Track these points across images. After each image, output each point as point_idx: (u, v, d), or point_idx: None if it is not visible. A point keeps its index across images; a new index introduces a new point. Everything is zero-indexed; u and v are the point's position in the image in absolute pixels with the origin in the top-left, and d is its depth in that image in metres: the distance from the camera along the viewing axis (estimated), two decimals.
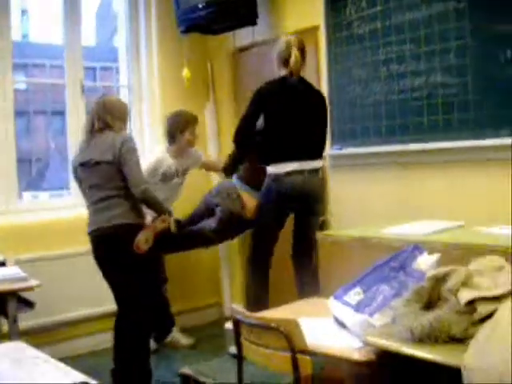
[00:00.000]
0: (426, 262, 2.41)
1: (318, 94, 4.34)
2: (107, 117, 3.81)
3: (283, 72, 4.22)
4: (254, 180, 4.44)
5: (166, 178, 4.61)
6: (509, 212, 3.28)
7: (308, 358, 2.17)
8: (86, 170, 3.82)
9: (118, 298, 3.93)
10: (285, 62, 4.19)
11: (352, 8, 4.52)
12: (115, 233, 3.71)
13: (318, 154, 4.22)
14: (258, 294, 4.22)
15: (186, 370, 3.90)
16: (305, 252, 4.17)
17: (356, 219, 4.35)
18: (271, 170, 4.12)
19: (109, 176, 3.75)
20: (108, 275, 3.88)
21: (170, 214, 3.98)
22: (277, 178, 4.08)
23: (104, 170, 3.75)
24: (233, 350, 4.45)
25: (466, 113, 3.86)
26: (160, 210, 3.86)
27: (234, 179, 4.60)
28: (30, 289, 3.42)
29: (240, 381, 2.49)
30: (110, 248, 3.75)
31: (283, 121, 4.11)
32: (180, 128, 4.62)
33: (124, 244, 3.70)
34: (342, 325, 2.37)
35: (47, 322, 4.64)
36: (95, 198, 3.80)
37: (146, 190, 3.71)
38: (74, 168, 3.95)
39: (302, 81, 4.24)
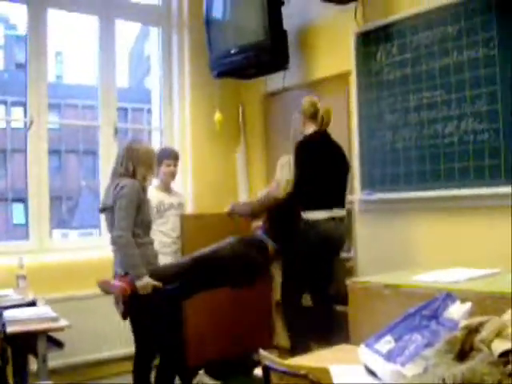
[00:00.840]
0: (458, 311, 2.37)
1: (341, 147, 4.45)
2: (129, 163, 3.87)
3: (311, 127, 4.33)
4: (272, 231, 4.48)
5: (160, 210, 4.85)
6: None
7: None
8: (103, 215, 3.98)
9: (137, 340, 4.00)
10: (313, 116, 4.32)
11: (383, 54, 4.56)
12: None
13: (343, 202, 4.36)
14: (297, 339, 4.25)
15: None
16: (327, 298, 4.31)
17: (384, 265, 4.30)
18: (310, 216, 4.17)
19: (112, 222, 3.81)
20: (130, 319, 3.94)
21: (136, 277, 3.72)
22: (314, 224, 4.16)
23: (108, 215, 3.86)
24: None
25: (498, 159, 3.84)
26: (126, 265, 3.74)
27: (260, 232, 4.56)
28: (61, 329, 3.44)
29: None
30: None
31: (319, 172, 4.22)
32: (158, 161, 4.71)
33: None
34: (372, 373, 2.34)
35: (75, 362, 4.65)
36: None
37: (121, 237, 3.67)
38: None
39: (328, 135, 4.38)
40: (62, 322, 3.44)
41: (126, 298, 3.72)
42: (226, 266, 4.19)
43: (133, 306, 3.79)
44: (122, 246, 3.70)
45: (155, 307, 3.81)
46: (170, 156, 5.00)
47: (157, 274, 3.85)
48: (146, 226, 3.93)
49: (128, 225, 3.70)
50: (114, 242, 3.75)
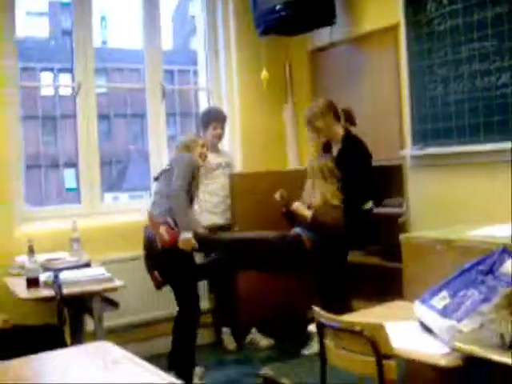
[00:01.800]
0: None
1: None
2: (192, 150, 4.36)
3: (339, 127, 4.46)
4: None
5: (207, 170, 4.86)
6: None
7: (393, 362, 2.13)
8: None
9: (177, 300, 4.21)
10: (336, 116, 4.46)
11: (432, 4, 4.42)
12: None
13: None
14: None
15: (267, 371, 3.91)
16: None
17: (436, 221, 4.25)
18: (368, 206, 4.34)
19: (166, 183, 4.18)
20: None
21: (182, 230, 3.98)
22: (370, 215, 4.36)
23: (165, 176, 4.23)
24: (306, 351, 4.49)
25: None
26: (178, 217, 3.99)
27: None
28: (115, 289, 3.50)
29: (323, 382, 2.47)
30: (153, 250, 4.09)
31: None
32: (204, 123, 5.00)
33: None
34: (427, 329, 2.32)
35: (130, 322, 4.74)
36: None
37: (179, 192, 3.98)
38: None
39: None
40: (117, 283, 3.50)
41: (164, 247, 3.96)
42: (268, 252, 4.30)
43: (169, 264, 4.04)
44: (178, 200, 3.98)
45: (189, 268, 4.09)
46: (218, 119, 5.02)
47: (199, 238, 4.09)
48: (191, 199, 4.21)
49: (185, 185, 4.02)
50: (171, 194, 4.01)
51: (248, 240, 4.34)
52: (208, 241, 4.33)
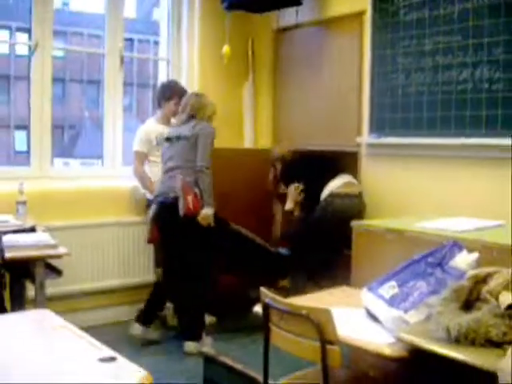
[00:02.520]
0: (465, 261, 2.34)
1: None
2: (205, 111, 4.44)
3: None
4: None
5: (160, 142, 4.75)
6: None
7: (337, 348, 2.12)
8: (169, 143, 4.42)
9: (178, 264, 4.34)
10: None
11: None
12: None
13: None
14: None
15: (208, 349, 3.89)
16: None
17: (389, 210, 4.28)
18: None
19: (183, 150, 4.31)
20: (169, 241, 4.40)
21: (207, 204, 4.19)
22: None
23: (180, 144, 4.33)
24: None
25: (511, 109, 3.75)
26: (205, 192, 4.18)
27: None
28: (59, 256, 3.40)
29: (266, 364, 2.46)
30: (171, 215, 4.21)
31: None
32: (165, 96, 4.89)
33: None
34: (374, 318, 2.32)
35: (72, 290, 4.65)
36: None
37: (207, 168, 4.19)
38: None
39: None
40: (61, 250, 3.41)
41: (186, 215, 4.14)
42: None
43: (188, 230, 4.21)
44: (206, 178, 4.19)
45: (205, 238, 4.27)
46: (180, 94, 4.86)
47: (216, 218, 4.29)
48: None
49: (210, 162, 4.24)
50: (198, 170, 4.20)
51: (251, 241, 4.64)
52: (222, 224, 4.45)
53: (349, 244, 3.21)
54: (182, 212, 4.15)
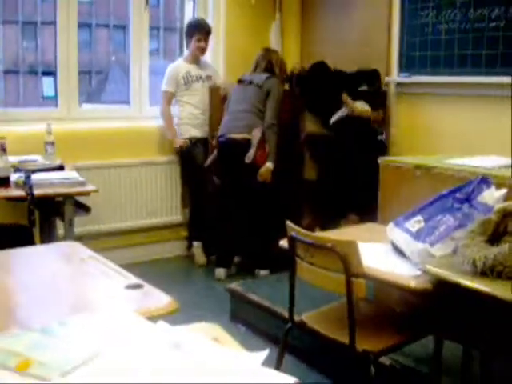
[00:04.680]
0: (492, 196, 2.31)
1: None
2: (276, 67, 4.67)
3: None
4: None
5: (188, 82, 4.86)
6: None
7: (363, 281, 2.14)
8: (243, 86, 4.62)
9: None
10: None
11: None
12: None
13: None
14: None
15: (235, 285, 3.94)
16: None
17: (420, 148, 4.25)
18: None
19: (253, 96, 4.52)
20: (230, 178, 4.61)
21: (271, 159, 4.42)
22: None
23: (252, 90, 4.54)
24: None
25: None
26: (271, 147, 4.42)
27: None
28: (87, 193, 3.45)
29: (292, 298, 2.48)
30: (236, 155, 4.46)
31: None
32: (189, 34, 4.91)
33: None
34: (399, 252, 2.32)
35: (101, 230, 4.72)
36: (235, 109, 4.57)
37: (274, 125, 4.41)
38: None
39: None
40: (89, 187, 3.44)
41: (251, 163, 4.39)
42: None
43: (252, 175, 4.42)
44: (273, 134, 4.42)
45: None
46: (202, 30, 4.90)
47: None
48: None
49: (277, 118, 4.44)
50: (267, 125, 4.41)
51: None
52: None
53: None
54: (249, 159, 4.38)
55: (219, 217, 4.63)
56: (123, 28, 16.38)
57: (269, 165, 4.41)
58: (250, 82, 4.55)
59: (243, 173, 4.45)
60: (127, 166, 4.81)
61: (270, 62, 4.63)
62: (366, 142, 4.44)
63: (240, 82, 4.64)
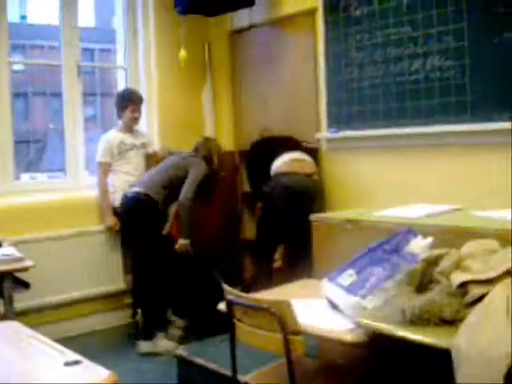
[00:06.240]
0: (419, 245, 2.41)
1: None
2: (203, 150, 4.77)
3: None
4: None
5: (122, 151, 4.90)
6: (506, 195, 3.29)
7: (300, 338, 2.17)
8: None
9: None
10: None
11: None
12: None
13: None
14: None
15: (181, 350, 3.93)
16: None
17: (351, 202, 4.35)
18: None
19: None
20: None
21: (184, 235, 4.51)
22: None
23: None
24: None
25: (463, 96, 3.84)
26: (183, 225, 4.49)
27: None
28: (25, 269, 3.42)
29: (234, 360, 2.50)
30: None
31: None
32: (122, 105, 4.94)
33: None
34: (334, 306, 2.38)
35: (42, 303, 4.63)
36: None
37: (188, 200, 4.43)
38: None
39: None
40: (28, 263, 3.42)
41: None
42: None
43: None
44: (187, 210, 4.45)
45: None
46: (136, 101, 4.96)
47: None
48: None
49: (194, 195, 4.47)
50: (181, 200, 4.45)
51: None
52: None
53: (307, 229, 3.24)
54: (165, 231, 4.60)
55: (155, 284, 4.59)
56: (59, 95, 16.41)
57: (181, 241, 4.49)
58: (170, 153, 4.77)
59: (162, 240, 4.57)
60: (66, 237, 4.77)
61: (209, 151, 4.75)
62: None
63: (169, 154, 4.82)
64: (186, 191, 4.45)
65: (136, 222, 4.51)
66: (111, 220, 4.86)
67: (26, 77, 17.97)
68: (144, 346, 4.38)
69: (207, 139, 4.95)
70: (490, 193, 3.65)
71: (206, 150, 4.74)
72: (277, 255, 4.51)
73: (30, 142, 19.08)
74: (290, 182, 4.39)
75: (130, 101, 4.92)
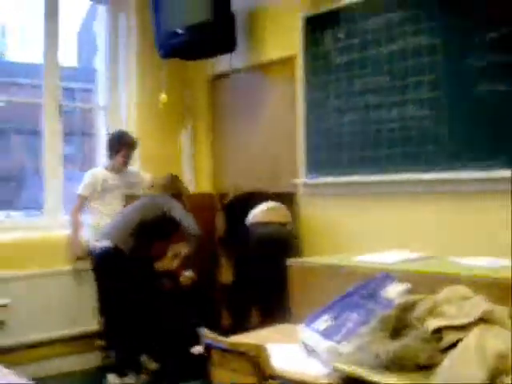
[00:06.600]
0: (395, 291, 2.43)
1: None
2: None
3: None
4: None
5: (104, 189, 4.90)
6: (480, 242, 3.34)
7: (276, 383, 2.18)
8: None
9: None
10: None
11: (330, 39, 4.58)
12: None
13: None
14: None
15: None
16: None
17: (328, 247, 4.36)
18: None
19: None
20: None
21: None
22: None
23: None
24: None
25: (439, 145, 3.91)
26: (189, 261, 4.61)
27: None
28: None
29: None
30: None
31: None
32: (116, 148, 4.95)
33: None
34: (310, 351, 2.38)
35: (15, 343, 4.56)
36: None
37: (198, 235, 4.47)
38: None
39: None
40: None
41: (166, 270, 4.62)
42: None
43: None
44: (198, 241, 4.48)
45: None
46: (131, 147, 5.00)
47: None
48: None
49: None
50: (194, 234, 4.45)
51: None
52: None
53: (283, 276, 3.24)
54: (162, 267, 4.64)
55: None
56: (38, 133, 16.37)
57: (188, 273, 4.65)
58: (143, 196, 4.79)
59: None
60: (40, 276, 4.71)
61: (178, 190, 4.77)
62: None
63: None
64: (191, 225, 4.44)
65: (107, 276, 4.47)
66: (75, 252, 4.83)
67: (6, 114, 17.95)
68: (112, 378, 4.35)
69: (173, 177, 4.90)
70: (465, 240, 3.70)
71: (175, 189, 4.75)
72: (252, 318, 4.46)
73: (6, 179, 19.00)
74: (264, 232, 4.37)
75: (124, 145, 4.95)
